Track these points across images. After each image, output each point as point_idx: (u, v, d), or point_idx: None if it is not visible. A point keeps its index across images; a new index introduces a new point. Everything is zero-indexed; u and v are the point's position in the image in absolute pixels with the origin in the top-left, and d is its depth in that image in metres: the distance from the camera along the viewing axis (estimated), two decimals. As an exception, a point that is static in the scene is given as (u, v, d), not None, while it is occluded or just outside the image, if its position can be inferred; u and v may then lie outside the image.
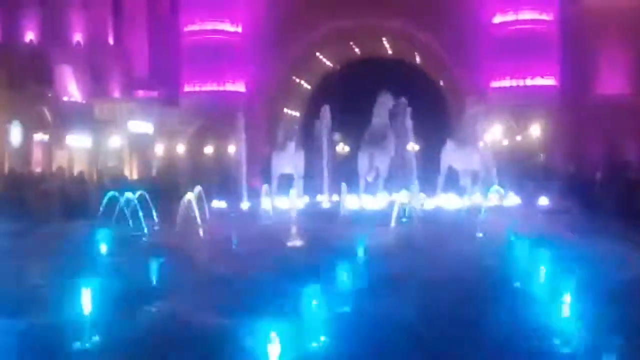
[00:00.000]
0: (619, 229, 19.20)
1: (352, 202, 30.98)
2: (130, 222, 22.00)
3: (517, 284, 12.63)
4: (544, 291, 11.03)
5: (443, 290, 12.28)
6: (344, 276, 11.36)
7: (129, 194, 22.58)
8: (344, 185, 29.74)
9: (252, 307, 9.78)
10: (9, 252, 16.93)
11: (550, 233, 18.54)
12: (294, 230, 20.46)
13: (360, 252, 14.34)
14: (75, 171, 46.22)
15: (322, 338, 8.32)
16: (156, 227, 22.88)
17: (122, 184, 34.55)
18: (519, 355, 8.42)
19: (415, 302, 11.16)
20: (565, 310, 9.04)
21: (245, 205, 32.83)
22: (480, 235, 20.99)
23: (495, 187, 29.38)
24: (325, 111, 35.52)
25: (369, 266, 13.50)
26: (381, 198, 32.13)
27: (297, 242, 19.11)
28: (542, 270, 11.71)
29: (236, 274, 14.36)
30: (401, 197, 27.14)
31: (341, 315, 10.08)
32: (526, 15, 58.92)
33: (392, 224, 22.90)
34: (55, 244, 18.35)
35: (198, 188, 25.35)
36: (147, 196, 23.69)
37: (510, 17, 59.25)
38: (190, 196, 23.12)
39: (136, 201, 22.78)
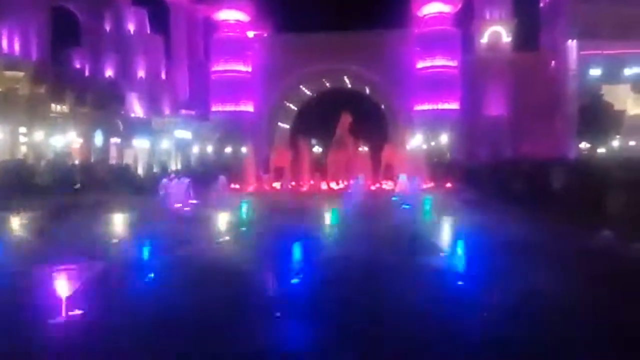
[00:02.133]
0: (492, 203, 19.48)
1: (323, 185, 31.10)
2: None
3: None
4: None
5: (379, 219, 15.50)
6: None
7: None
8: (317, 174, 29.85)
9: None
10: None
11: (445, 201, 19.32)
12: (285, 202, 20.52)
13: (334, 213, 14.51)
14: (139, 164, 46.10)
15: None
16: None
17: (168, 172, 34.44)
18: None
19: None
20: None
21: (251, 187, 32.48)
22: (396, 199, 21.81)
23: (403, 176, 29.39)
24: (304, 143, 34.66)
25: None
26: (341, 183, 32.33)
27: (288, 209, 19.13)
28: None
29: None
30: (355, 182, 27.36)
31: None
32: (438, 62, 59.33)
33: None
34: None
35: (222, 177, 24.74)
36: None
37: (428, 63, 59.65)
38: (220, 180, 23.14)
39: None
